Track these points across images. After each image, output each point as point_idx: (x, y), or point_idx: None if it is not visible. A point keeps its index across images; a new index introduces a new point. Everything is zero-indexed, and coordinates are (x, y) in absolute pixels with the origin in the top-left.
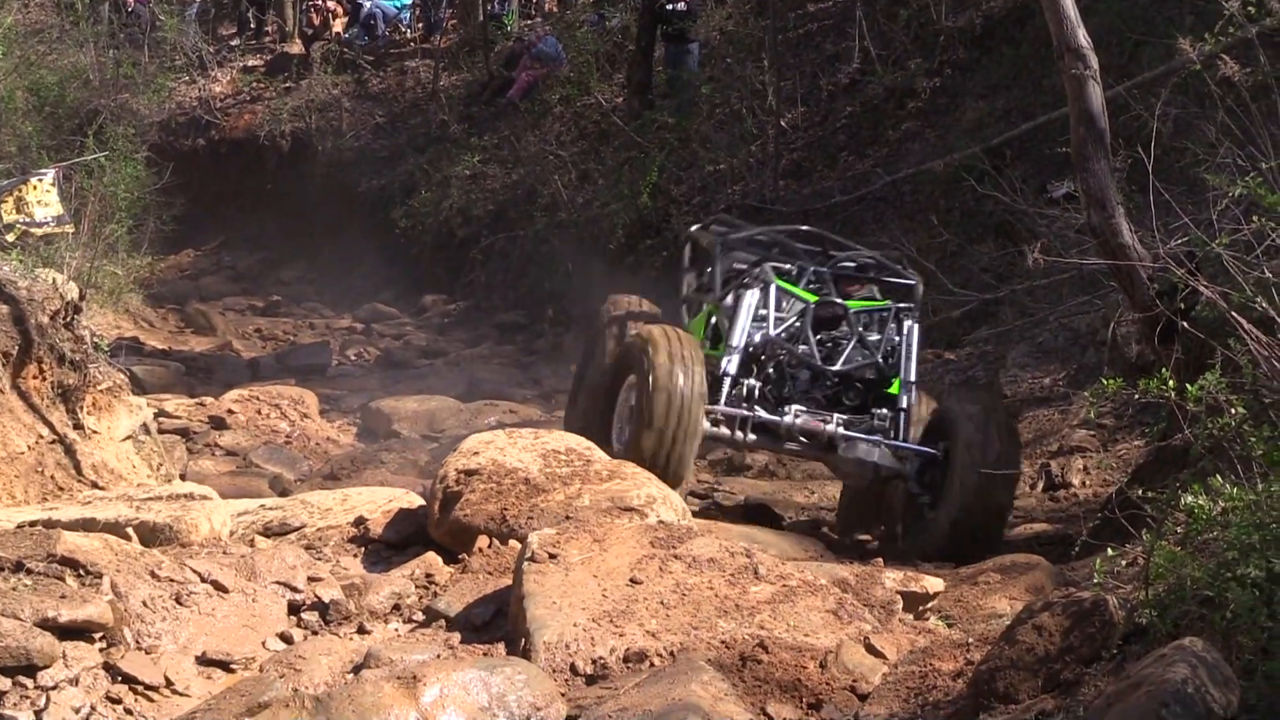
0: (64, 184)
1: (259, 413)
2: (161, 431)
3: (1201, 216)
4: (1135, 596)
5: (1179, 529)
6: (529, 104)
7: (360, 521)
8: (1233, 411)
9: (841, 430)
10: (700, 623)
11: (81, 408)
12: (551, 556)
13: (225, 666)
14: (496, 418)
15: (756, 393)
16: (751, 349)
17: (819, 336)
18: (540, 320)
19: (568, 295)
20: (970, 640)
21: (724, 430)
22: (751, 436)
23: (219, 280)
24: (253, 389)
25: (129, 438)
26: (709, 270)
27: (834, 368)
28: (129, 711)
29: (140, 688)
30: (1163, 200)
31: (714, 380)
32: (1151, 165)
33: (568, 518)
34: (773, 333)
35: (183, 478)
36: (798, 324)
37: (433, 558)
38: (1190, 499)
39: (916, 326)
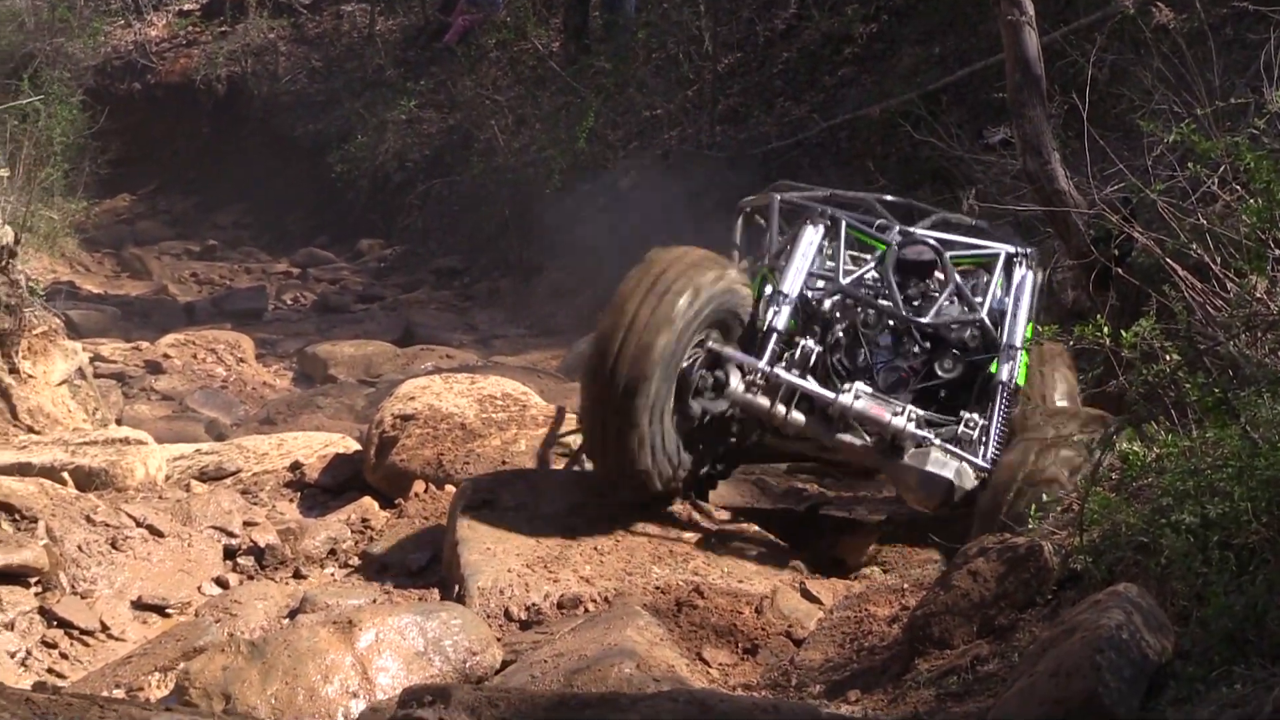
0: None
1: (195, 357)
2: (97, 376)
3: (1137, 163)
4: (1070, 542)
5: (1113, 475)
6: (465, 49)
7: (296, 466)
8: (1167, 358)
9: (912, 426)
10: (635, 568)
11: (16, 352)
12: (487, 503)
13: (161, 611)
14: (433, 363)
15: (813, 359)
16: (811, 300)
17: (912, 289)
18: (477, 265)
19: (505, 240)
20: (905, 586)
21: (753, 398)
22: (794, 415)
23: (155, 225)
24: (189, 333)
25: (64, 382)
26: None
27: (924, 320)
28: (64, 656)
29: (76, 632)
30: (1098, 147)
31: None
32: (1087, 111)
33: (504, 463)
34: (843, 280)
35: (118, 422)
36: (875, 273)
37: (369, 503)
38: (1125, 445)
39: (1032, 276)
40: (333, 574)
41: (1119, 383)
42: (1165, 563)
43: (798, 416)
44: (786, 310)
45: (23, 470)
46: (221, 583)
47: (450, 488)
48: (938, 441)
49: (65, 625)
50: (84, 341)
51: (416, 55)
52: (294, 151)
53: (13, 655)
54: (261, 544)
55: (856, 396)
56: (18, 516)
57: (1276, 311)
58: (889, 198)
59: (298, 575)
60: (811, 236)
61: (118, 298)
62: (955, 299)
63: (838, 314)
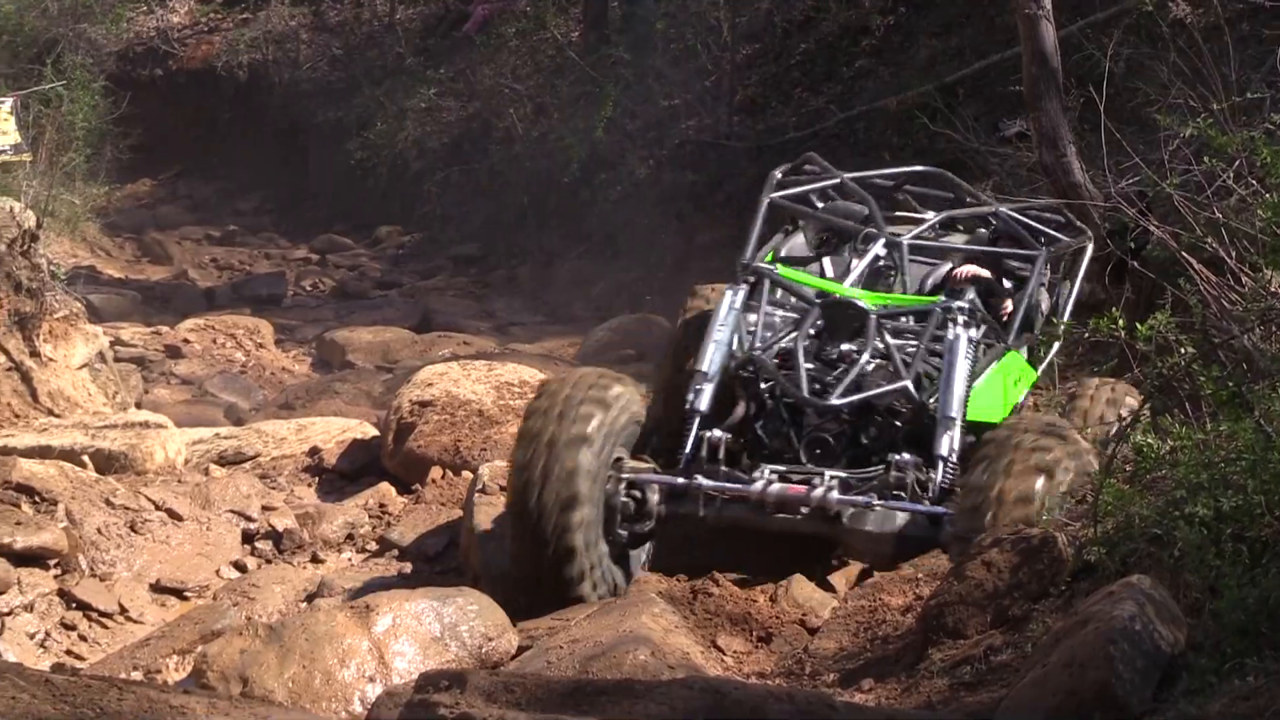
0: (21, 113)
1: (215, 342)
2: (118, 360)
3: (1153, 157)
4: (1084, 534)
5: (1128, 467)
6: (485, 37)
7: (315, 451)
8: (1182, 351)
9: (835, 494)
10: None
11: (38, 335)
12: (503, 489)
13: (179, 594)
14: (451, 349)
15: (721, 446)
16: (732, 373)
17: (834, 352)
18: (495, 252)
19: (523, 228)
20: (920, 575)
21: (677, 509)
22: (726, 512)
23: (176, 210)
24: (209, 318)
25: (85, 366)
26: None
27: (831, 402)
28: (83, 638)
29: (95, 614)
30: (1114, 140)
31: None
32: (1103, 105)
33: None
34: (758, 345)
35: (138, 406)
36: (793, 334)
37: (386, 488)
38: (1139, 438)
39: (965, 335)
40: (350, 559)
41: (1134, 375)
42: (1178, 555)
43: (729, 512)
44: (708, 390)
45: (43, 453)
46: (240, 566)
47: (467, 474)
48: (864, 501)
49: (84, 607)
50: (104, 325)
51: (436, 44)
52: (314, 138)
53: (32, 636)
54: (280, 528)
55: (768, 483)
56: (38, 499)
57: None
58: (919, 169)
59: (315, 560)
60: (730, 300)
61: (138, 282)
62: (883, 363)
63: (747, 382)
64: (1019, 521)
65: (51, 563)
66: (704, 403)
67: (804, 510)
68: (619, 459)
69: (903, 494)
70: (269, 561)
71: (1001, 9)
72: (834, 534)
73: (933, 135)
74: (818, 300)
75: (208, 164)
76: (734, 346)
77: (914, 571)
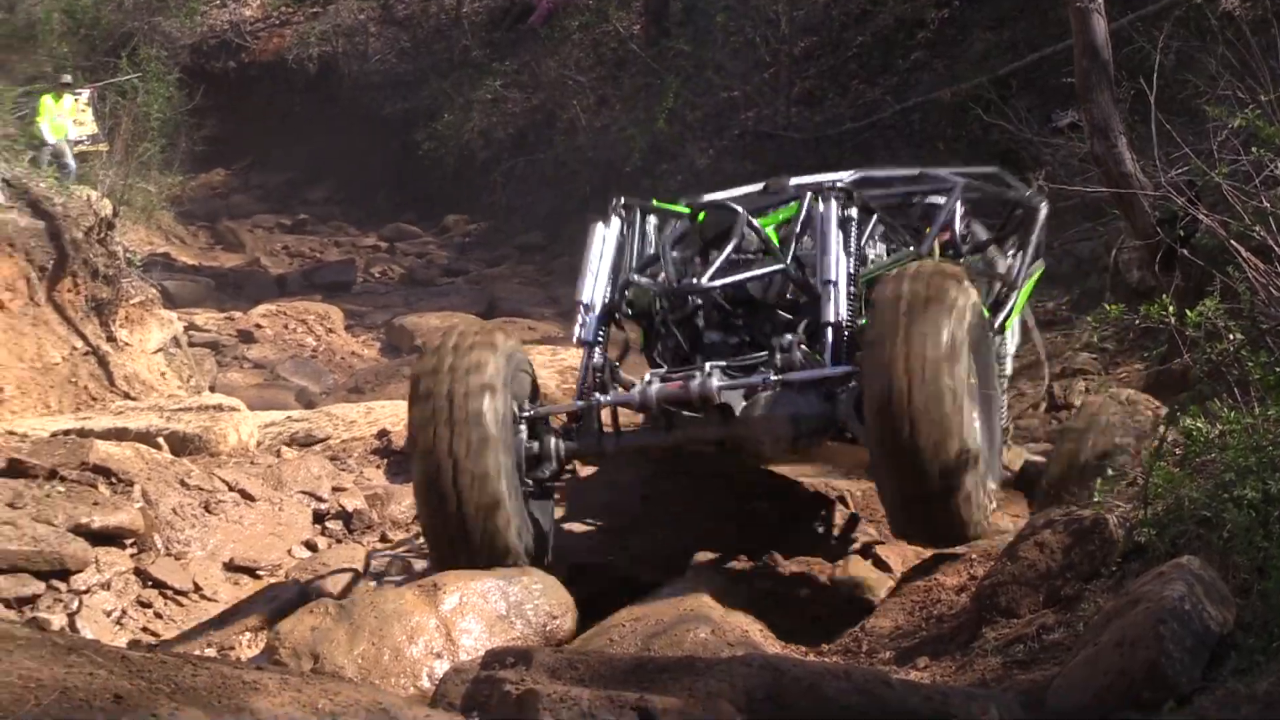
0: (99, 104)
1: (286, 327)
2: (192, 344)
3: (1202, 147)
4: (1134, 516)
5: (1177, 451)
6: (549, 30)
7: (383, 434)
8: (1231, 337)
9: (716, 380)
10: (710, 536)
11: (114, 321)
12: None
13: (252, 573)
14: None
15: (606, 370)
16: (611, 301)
17: (716, 262)
18: (559, 241)
19: (586, 216)
20: (974, 556)
21: (578, 445)
22: (625, 440)
23: (248, 199)
24: (280, 304)
25: (160, 350)
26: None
27: (700, 283)
28: (158, 615)
29: (170, 592)
30: (1164, 131)
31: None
32: (1154, 97)
33: None
34: (633, 270)
35: (212, 389)
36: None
37: None
38: (1188, 421)
39: (833, 207)
40: (418, 538)
41: (1183, 361)
42: (1227, 536)
43: (629, 441)
44: (593, 320)
45: (119, 435)
46: (310, 546)
47: None
48: (748, 380)
49: (160, 585)
50: (179, 311)
51: (502, 37)
52: (382, 129)
53: (109, 614)
54: (349, 508)
55: (649, 384)
56: (114, 480)
57: None
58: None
59: (384, 539)
60: (601, 233)
61: (212, 269)
62: (762, 254)
63: (654, 307)
64: (930, 365)
65: (128, 542)
66: (590, 333)
67: (694, 414)
68: (519, 406)
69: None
70: (339, 541)
71: (1054, 3)
72: (732, 434)
73: (986, 126)
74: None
75: (279, 154)
76: (615, 277)
77: (968, 551)
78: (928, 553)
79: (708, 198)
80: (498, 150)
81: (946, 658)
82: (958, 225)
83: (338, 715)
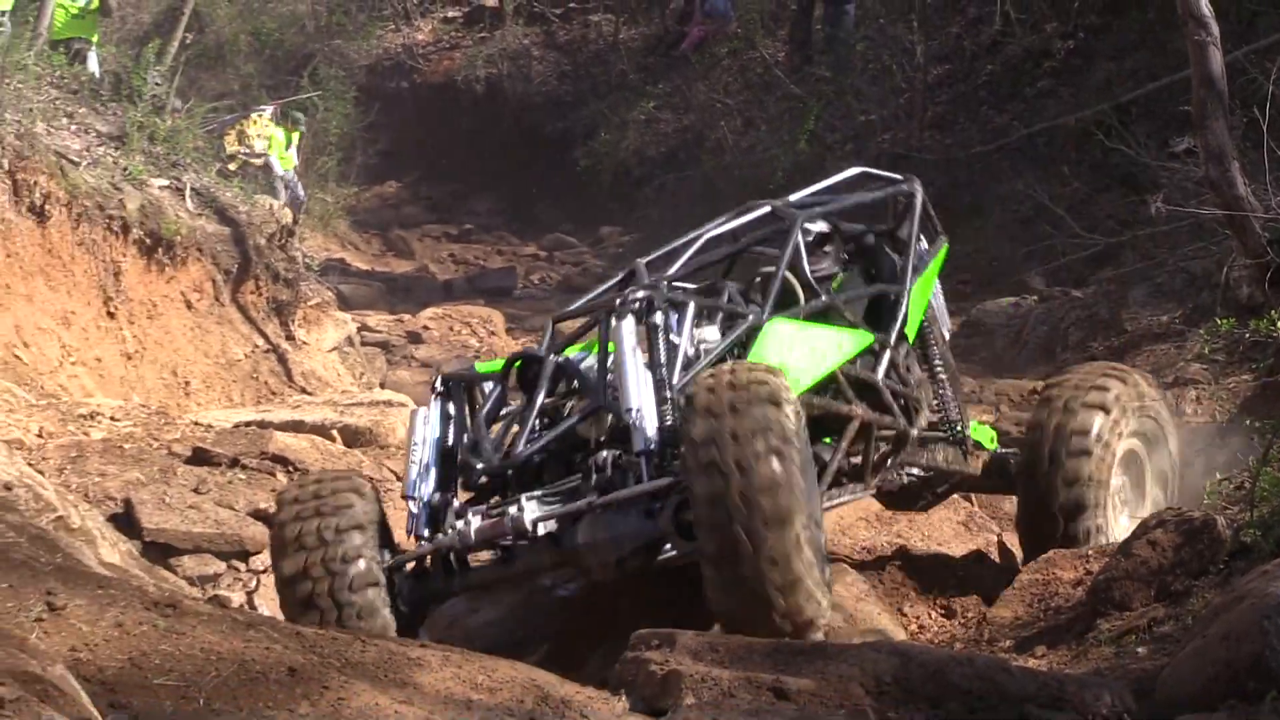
0: (280, 120)
1: (451, 329)
2: (364, 344)
3: None
4: (1241, 517)
5: None
6: (699, 56)
7: None
8: None
9: (530, 513)
10: (843, 530)
11: (293, 321)
12: None
13: None
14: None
15: (435, 503)
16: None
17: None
18: None
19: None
20: (1089, 552)
21: (415, 587)
22: (457, 579)
23: (417, 209)
24: (446, 308)
25: (335, 349)
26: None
27: (520, 454)
28: None
29: None
30: (1275, 157)
31: None
32: (1266, 124)
33: None
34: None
35: (382, 386)
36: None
37: None
38: None
39: (627, 325)
40: None
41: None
42: None
43: (475, 578)
44: (424, 516)
45: (296, 427)
46: None
47: None
48: (562, 509)
49: None
50: (353, 313)
51: (655, 62)
52: (543, 146)
53: None
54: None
55: (468, 523)
56: (291, 468)
57: None
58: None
59: None
60: (423, 416)
61: (383, 274)
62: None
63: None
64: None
65: None
66: (421, 529)
67: (518, 542)
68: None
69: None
70: None
71: (1173, 35)
72: (564, 560)
73: (1108, 151)
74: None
75: (447, 168)
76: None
77: (1084, 548)
78: (1049, 549)
79: (562, 313)
80: (650, 167)
81: (1062, 647)
82: (805, 263)
83: (495, 690)
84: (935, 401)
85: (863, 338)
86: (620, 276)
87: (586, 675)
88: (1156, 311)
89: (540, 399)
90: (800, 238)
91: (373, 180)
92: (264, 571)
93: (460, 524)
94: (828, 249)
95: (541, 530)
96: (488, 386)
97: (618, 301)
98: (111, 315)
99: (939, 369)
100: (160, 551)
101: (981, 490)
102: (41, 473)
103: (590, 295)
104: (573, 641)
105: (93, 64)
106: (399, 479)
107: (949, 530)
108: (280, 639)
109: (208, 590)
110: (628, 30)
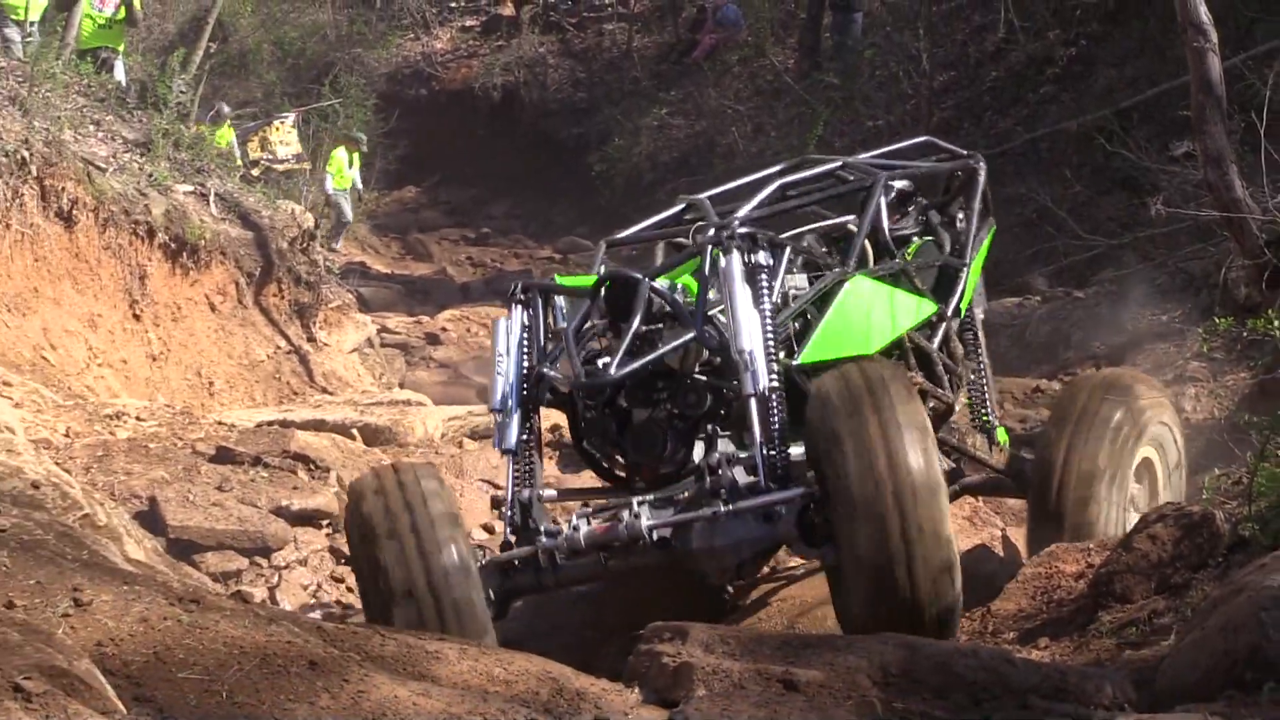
0: (302, 126)
1: (469, 330)
2: (384, 345)
3: None
4: (1240, 511)
5: None
6: (711, 64)
7: (555, 428)
8: None
9: (645, 521)
10: None
11: (314, 323)
12: None
13: None
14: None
15: (534, 504)
16: (526, 399)
17: (623, 345)
18: None
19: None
20: (1091, 545)
21: (506, 584)
22: (549, 573)
23: (436, 213)
24: (464, 309)
25: (355, 350)
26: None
27: (606, 377)
28: (350, 590)
29: None
30: (1273, 160)
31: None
32: (1263, 128)
33: None
34: (546, 361)
35: (401, 386)
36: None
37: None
38: None
39: (736, 259)
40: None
41: None
42: None
43: (568, 573)
44: (513, 423)
45: (317, 426)
46: (488, 529)
47: None
48: (680, 517)
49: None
50: (373, 315)
51: (668, 69)
52: (559, 152)
53: (305, 588)
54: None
55: (575, 528)
56: (313, 466)
57: None
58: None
59: (554, 523)
60: (504, 327)
61: (403, 277)
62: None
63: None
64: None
65: (323, 523)
66: (510, 439)
67: (614, 556)
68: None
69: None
70: None
71: (1173, 42)
72: (677, 559)
73: (1109, 155)
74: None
75: (465, 173)
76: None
77: (1086, 541)
78: (1052, 544)
79: (615, 238)
80: (663, 172)
81: (1065, 638)
82: (885, 222)
83: (511, 683)
84: (968, 385)
85: (928, 306)
86: (676, 209)
87: (601, 668)
88: (1157, 311)
89: (638, 322)
90: (883, 198)
91: (392, 185)
92: (285, 568)
93: (568, 528)
94: (909, 210)
95: (654, 536)
96: (559, 301)
97: (722, 234)
98: (137, 318)
99: (978, 351)
100: (184, 548)
101: (991, 493)
102: (69, 471)
103: (644, 225)
104: (589, 635)
105: (119, 73)
106: None
107: (954, 525)
108: (301, 633)
109: (230, 586)
110: (641, 39)
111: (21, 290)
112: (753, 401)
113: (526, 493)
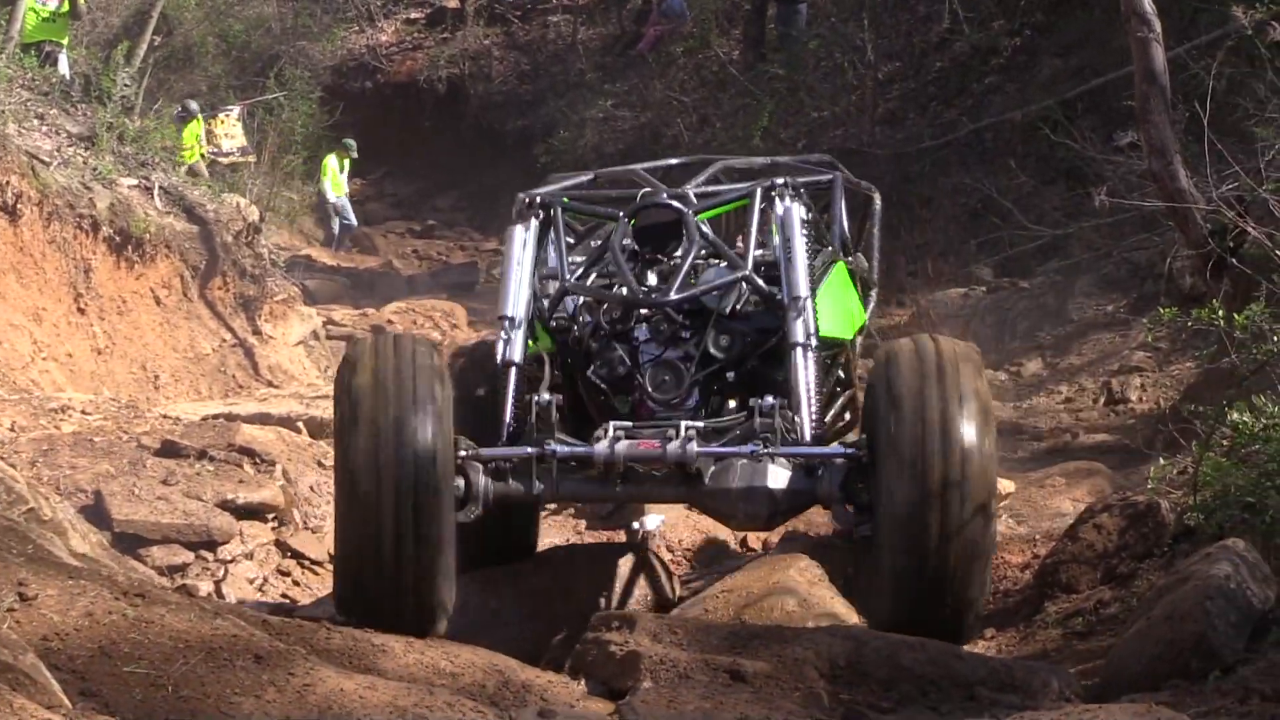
0: (248, 119)
1: (414, 323)
2: (329, 338)
3: (1250, 165)
4: (1185, 501)
5: (1225, 442)
6: (656, 56)
7: None
8: (1275, 339)
9: (694, 447)
10: (802, 518)
11: (260, 316)
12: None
13: None
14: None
15: (555, 406)
16: (545, 316)
17: (656, 262)
18: None
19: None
20: (1037, 536)
21: (507, 488)
22: (565, 486)
23: (382, 206)
24: (409, 302)
25: (301, 343)
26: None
27: (672, 297)
28: (296, 583)
29: (307, 563)
30: (1216, 150)
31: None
32: (1207, 119)
33: None
34: (568, 275)
35: None
36: (601, 246)
37: None
38: (1235, 416)
39: (797, 207)
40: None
41: (1231, 360)
42: (1269, 521)
43: (569, 488)
44: (519, 336)
45: (263, 419)
46: None
47: None
48: (734, 450)
49: (298, 556)
50: (318, 308)
51: (613, 61)
52: (504, 144)
53: (252, 581)
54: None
55: (615, 439)
56: (258, 460)
57: None
58: (673, 161)
59: None
60: (521, 237)
61: (348, 270)
62: (714, 260)
63: (580, 319)
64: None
65: (269, 516)
66: (517, 351)
67: (656, 472)
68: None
69: (770, 440)
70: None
71: (1117, 32)
72: (694, 497)
73: (1053, 145)
74: (625, 211)
75: (410, 166)
76: (536, 289)
77: (1031, 532)
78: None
79: (636, 168)
80: (608, 163)
81: (1011, 629)
82: (844, 221)
83: (458, 675)
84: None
85: (860, 315)
86: (585, 177)
87: (548, 658)
88: (1102, 301)
89: (695, 252)
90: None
91: None
92: (231, 561)
93: (606, 437)
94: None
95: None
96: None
97: (778, 181)
98: (82, 311)
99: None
100: (130, 542)
101: None
102: (13, 466)
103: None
104: (536, 627)
105: (63, 66)
106: None
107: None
108: (247, 627)
109: (176, 580)
110: (586, 30)
111: None
112: (799, 350)
113: (546, 396)
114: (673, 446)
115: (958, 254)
